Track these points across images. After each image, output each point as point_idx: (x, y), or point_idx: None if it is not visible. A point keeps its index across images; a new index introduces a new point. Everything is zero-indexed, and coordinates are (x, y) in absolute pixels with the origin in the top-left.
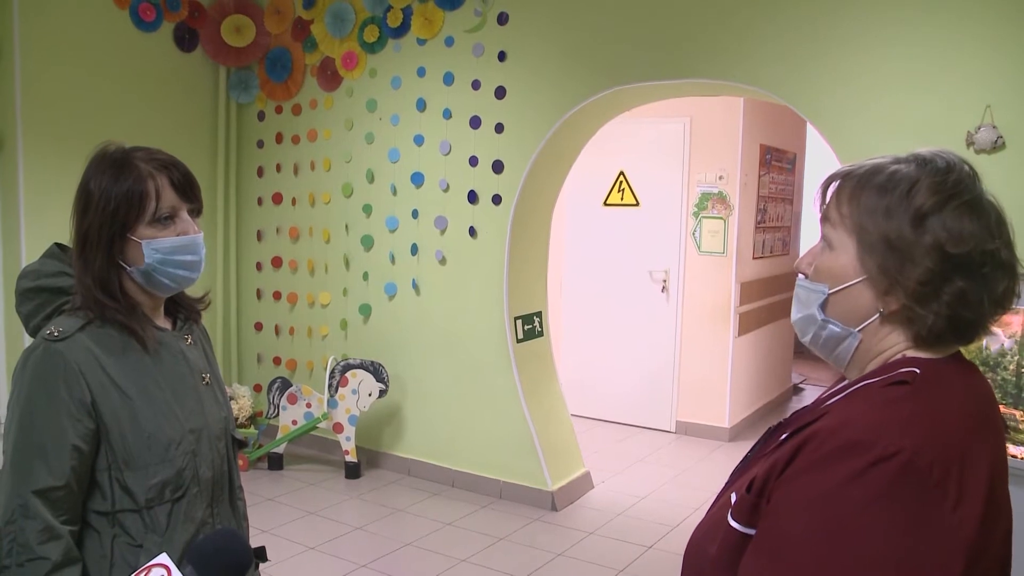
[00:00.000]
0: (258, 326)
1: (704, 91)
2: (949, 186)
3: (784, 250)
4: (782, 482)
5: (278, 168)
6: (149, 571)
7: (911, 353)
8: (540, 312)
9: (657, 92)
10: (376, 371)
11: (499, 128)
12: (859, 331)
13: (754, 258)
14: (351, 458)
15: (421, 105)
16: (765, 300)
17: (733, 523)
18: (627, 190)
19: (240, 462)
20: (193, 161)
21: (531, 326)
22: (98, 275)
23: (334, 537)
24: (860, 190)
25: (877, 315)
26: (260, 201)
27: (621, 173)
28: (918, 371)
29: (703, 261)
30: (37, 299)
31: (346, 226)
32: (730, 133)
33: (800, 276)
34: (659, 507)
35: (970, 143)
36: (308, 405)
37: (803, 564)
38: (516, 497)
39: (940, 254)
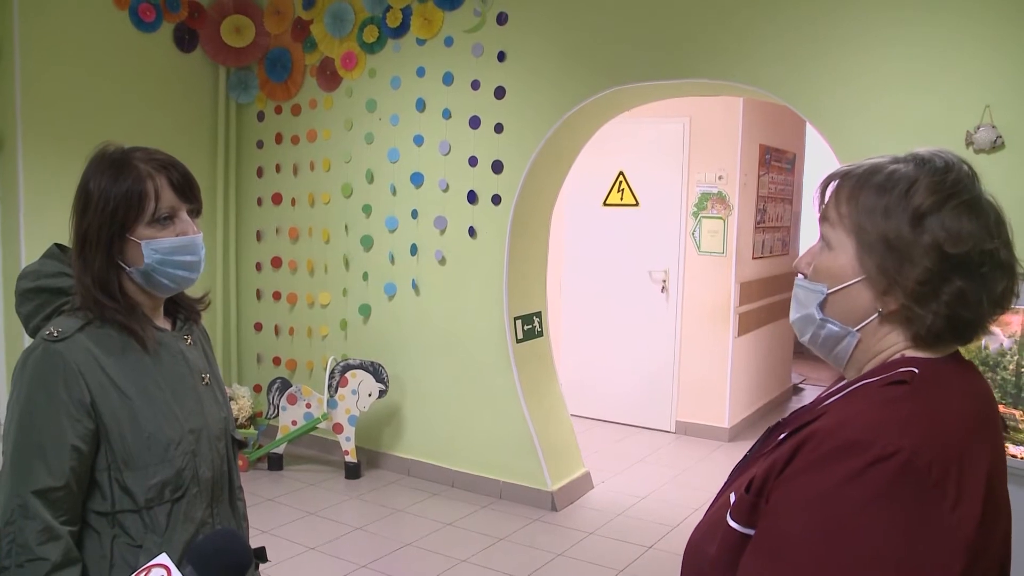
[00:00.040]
0: (258, 326)
1: (704, 91)
2: (948, 186)
3: (784, 250)
4: (781, 482)
5: (278, 168)
6: (149, 571)
7: (910, 353)
8: (540, 312)
9: (657, 92)
10: (376, 371)
11: (499, 128)
12: (858, 331)
13: (754, 258)
14: (351, 458)
15: (420, 105)
16: (765, 300)
17: (732, 523)
18: (627, 190)
19: (240, 462)
20: (193, 161)
21: (531, 326)
22: (97, 275)
23: (334, 537)
24: (859, 190)
25: (876, 315)
26: (260, 201)
27: (621, 173)
28: (917, 371)
29: (703, 261)
30: (37, 299)
31: (346, 226)
32: (729, 133)
33: (799, 276)
34: (659, 507)
35: (969, 143)
36: (308, 405)
37: (802, 564)
38: (516, 497)
39: (939, 254)
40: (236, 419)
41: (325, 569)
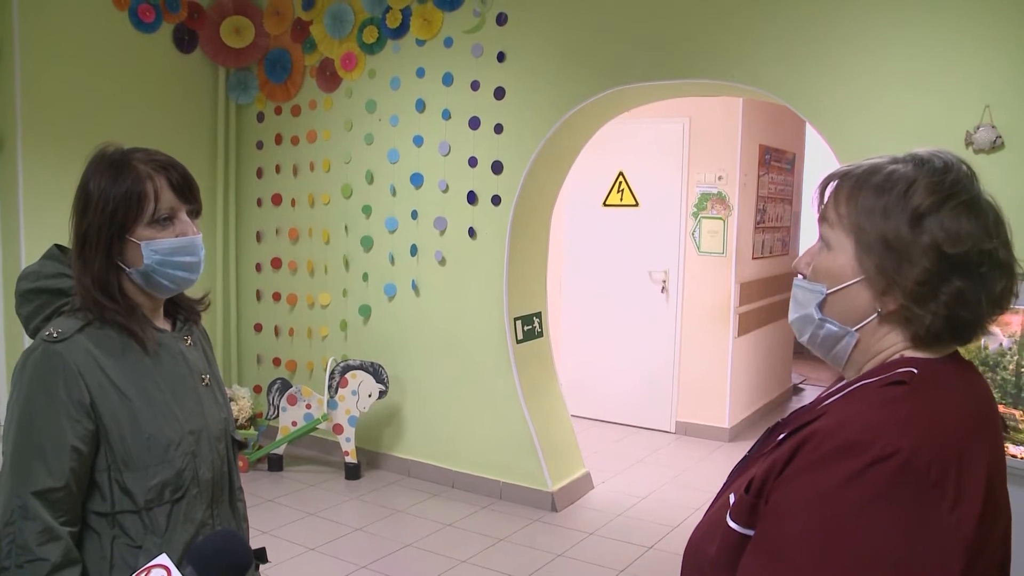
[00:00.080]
0: (258, 327)
1: (704, 91)
2: (947, 186)
3: (783, 250)
4: (780, 482)
5: (277, 169)
6: (149, 572)
7: (909, 353)
8: (540, 313)
9: (657, 92)
10: (376, 372)
11: (498, 129)
12: (856, 330)
13: (753, 258)
14: (351, 459)
15: (420, 106)
16: (765, 300)
17: (732, 524)
18: (626, 190)
19: (240, 463)
20: (192, 162)
21: (531, 327)
22: (97, 276)
23: (334, 538)
24: (858, 190)
25: (875, 315)
26: (259, 202)
27: (620, 173)
28: (916, 371)
29: (703, 261)
30: (37, 300)
31: (345, 227)
32: (729, 133)
33: (798, 276)
34: (659, 507)
35: (969, 143)
36: (308, 406)
37: (802, 564)
38: (516, 498)
39: (937, 254)
40: (236, 420)
41: (325, 570)
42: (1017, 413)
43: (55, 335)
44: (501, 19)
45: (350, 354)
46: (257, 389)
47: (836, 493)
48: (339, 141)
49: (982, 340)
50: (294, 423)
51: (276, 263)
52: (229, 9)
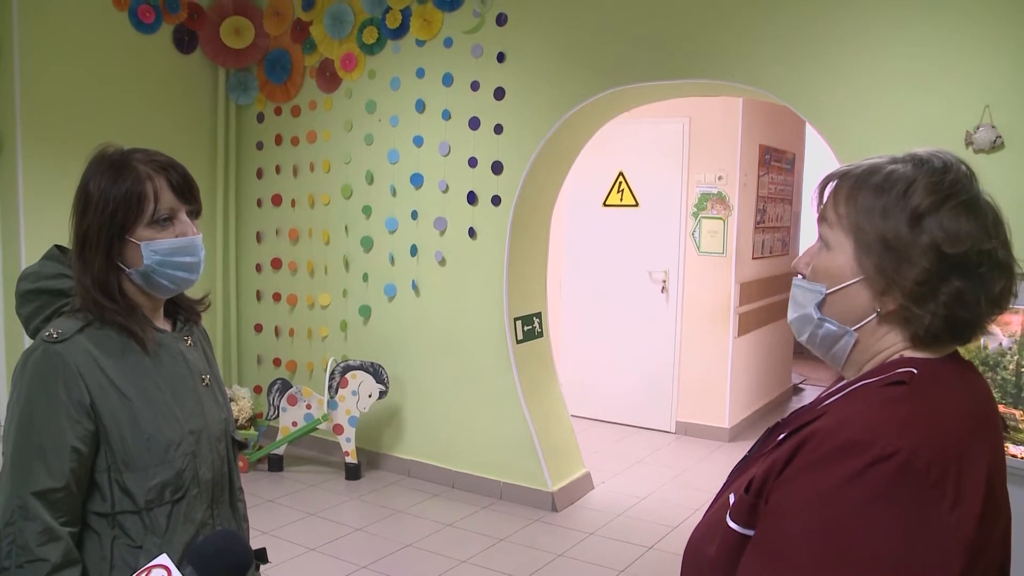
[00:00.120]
0: (258, 327)
1: (704, 91)
2: (946, 186)
3: (783, 250)
4: (780, 483)
5: (277, 170)
6: (149, 572)
7: (908, 353)
8: (540, 313)
9: (657, 92)
10: (376, 372)
11: (498, 129)
12: (855, 330)
13: (753, 258)
14: (351, 459)
15: (420, 106)
16: (765, 300)
17: (732, 524)
18: (626, 190)
19: (240, 464)
20: (192, 163)
21: (531, 327)
22: (97, 276)
23: (334, 538)
24: (857, 190)
25: (874, 315)
26: (259, 203)
27: (620, 173)
28: (915, 371)
29: (702, 261)
30: (37, 301)
31: (345, 227)
32: (729, 133)
33: (797, 276)
34: (659, 507)
35: (969, 143)
36: (308, 406)
37: (802, 565)
38: (516, 498)
39: (937, 254)
40: (236, 420)
41: (325, 570)
42: (1017, 413)
43: (55, 335)
44: (501, 19)
45: (350, 354)
46: (257, 389)
47: (836, 493)
48: (339, 141)
49: (982, 340)
50: (294, 423)
51: (276, 263)
52: (229, 10)
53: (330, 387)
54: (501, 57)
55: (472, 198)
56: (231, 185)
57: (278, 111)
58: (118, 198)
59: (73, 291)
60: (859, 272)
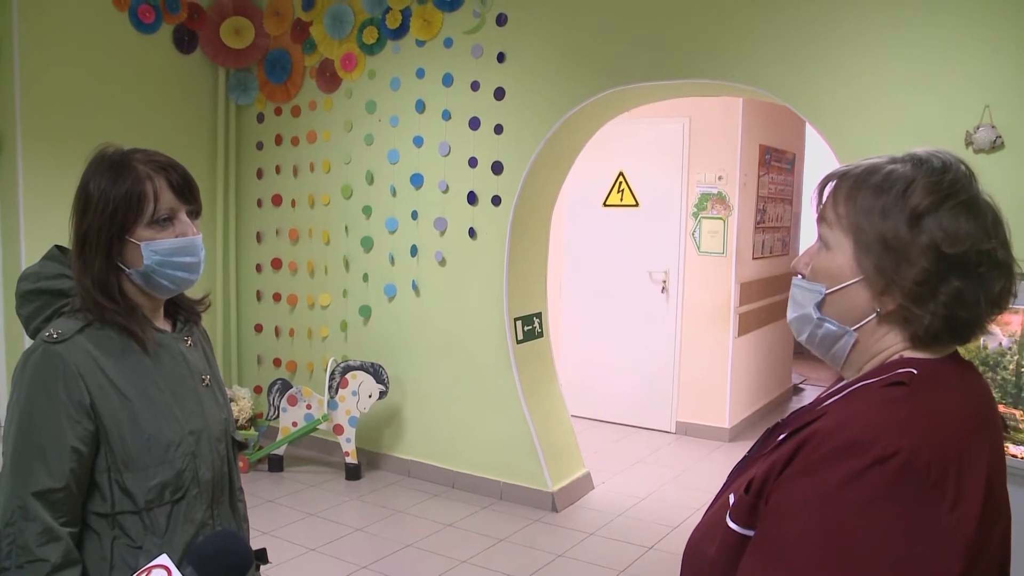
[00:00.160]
0: (258, 328)
1: (704, 91)
2: (945, 186)
3: (784, 250)
4: (780, 483)
5: (277, 170)
6: (149, 572)
7: (908, 353)
8: (540, 313)
9: (657, 92)
10: (376, 372)
11: (498, 129)
12: (855, 330)
13: (754, 258)
14: (351, 460)
15: (420, 106)
16: (765, 300)
17: (731, 524)
18: (626, 191)
19: (240, 464)
20: (192, 163)
21: (531, 327)
22: (97, 277)
23: (334, 539)
24: (856, 190)
25: (874, 315)
26: (260, 203)
27: (620, 174)
28: (915, 372)
29: (703, 261)
30: (37, 301)
31: (346, 228)
32: (729, 133)
33: (797, 276)
34: (659, 508)
35: (969, 143)
36: (308, 407)
37: (802, 565)
38: (516, 498)
39: (936, 254)
40: (236, 420)
41: (326, 570)
42: (1017, 413)
43: (55, 336)
44: (501, 20)
45: (350, 354)
46: (257, 390)
47: (836, 494)
48: (339, 142)
49: (981, 340)
50: (294, 424)
51: (276, 264)
52: (229, 10)
53: (330, 387)
54: (501, 57)
55: (472, 198)
56: (231, 185)
57: (278, 111)
58: (118, 198)
59: (73, 291)
60: (858, 272)
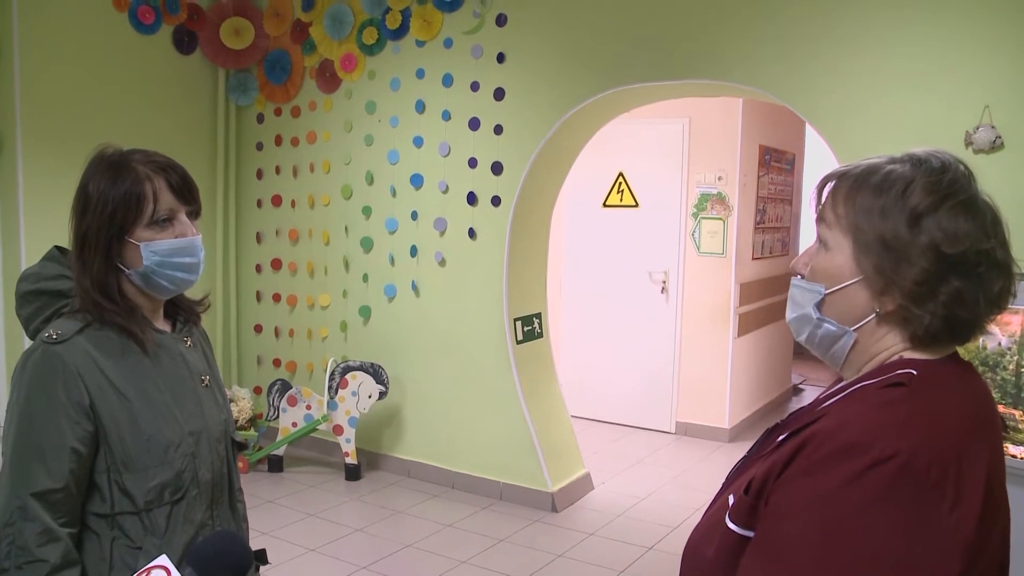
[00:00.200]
0: (258, 328)
1: (704, 91)
2: (944, 186)
3: (783, 251)
4: (780, 484)
5: (277, 170)
6: (149, 572)
7: (908, 354)
8: (540, 313)
9: (657, 93)
10: (376, 373)
11: (498, 129)
12: (854, 330)
13: (753, 259)
14: (351, 460)
15: (420, 107)
16: (765, 301)
17: (731, 525)
18: (626, 191)
19: (240, 464)
20: (192, 163)
21: (531, 327)
22: (96, 277)
23: (334, 539)
24: (856, 190)
25: (873, 315)
26: (259, 203)
27: (620, 174)
28: (915, 372)
29: (702, 262)
30: (37, 302)
31: (345, 228)
32: (729, 134)
33: (796, 276)
34: (659, 508)
35: (969, 143)
36: (308, 407)
37: (801, 566)
38: (516, 498)
39: (936, 254)
40: (236, 421)
41: (325, 571)
42: (1017, 413)
43: (55, 336)
44: (501, 20)
45: (350, 355)
46: (257, 390)
47: (836, 494)
48: (339, 142)
49: (981, 340)
50: (294, 424)
51: (276, 264)
52: (229, 10)
53: (330, 388)
54: (501, 58)
55: (472, 199)
56: (231, 186)
57: (278, 112)
58: (117, 199)
59: (73, 292)
60: (858, 272)
